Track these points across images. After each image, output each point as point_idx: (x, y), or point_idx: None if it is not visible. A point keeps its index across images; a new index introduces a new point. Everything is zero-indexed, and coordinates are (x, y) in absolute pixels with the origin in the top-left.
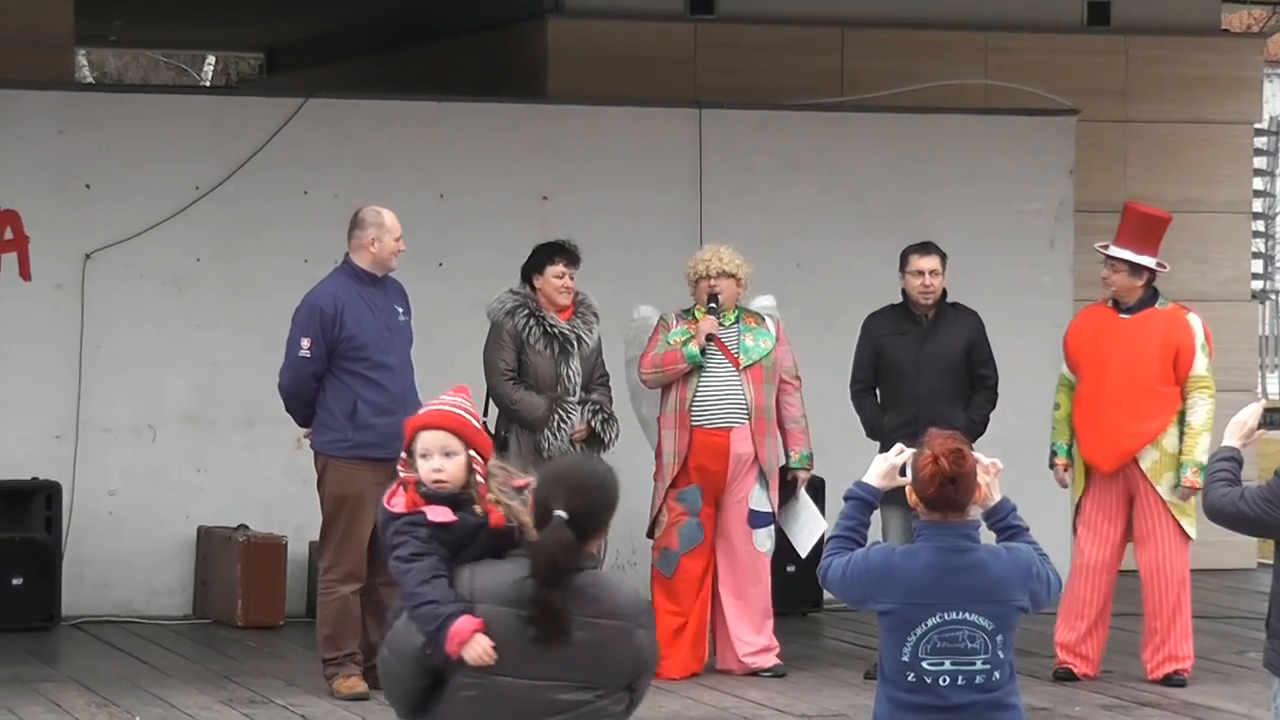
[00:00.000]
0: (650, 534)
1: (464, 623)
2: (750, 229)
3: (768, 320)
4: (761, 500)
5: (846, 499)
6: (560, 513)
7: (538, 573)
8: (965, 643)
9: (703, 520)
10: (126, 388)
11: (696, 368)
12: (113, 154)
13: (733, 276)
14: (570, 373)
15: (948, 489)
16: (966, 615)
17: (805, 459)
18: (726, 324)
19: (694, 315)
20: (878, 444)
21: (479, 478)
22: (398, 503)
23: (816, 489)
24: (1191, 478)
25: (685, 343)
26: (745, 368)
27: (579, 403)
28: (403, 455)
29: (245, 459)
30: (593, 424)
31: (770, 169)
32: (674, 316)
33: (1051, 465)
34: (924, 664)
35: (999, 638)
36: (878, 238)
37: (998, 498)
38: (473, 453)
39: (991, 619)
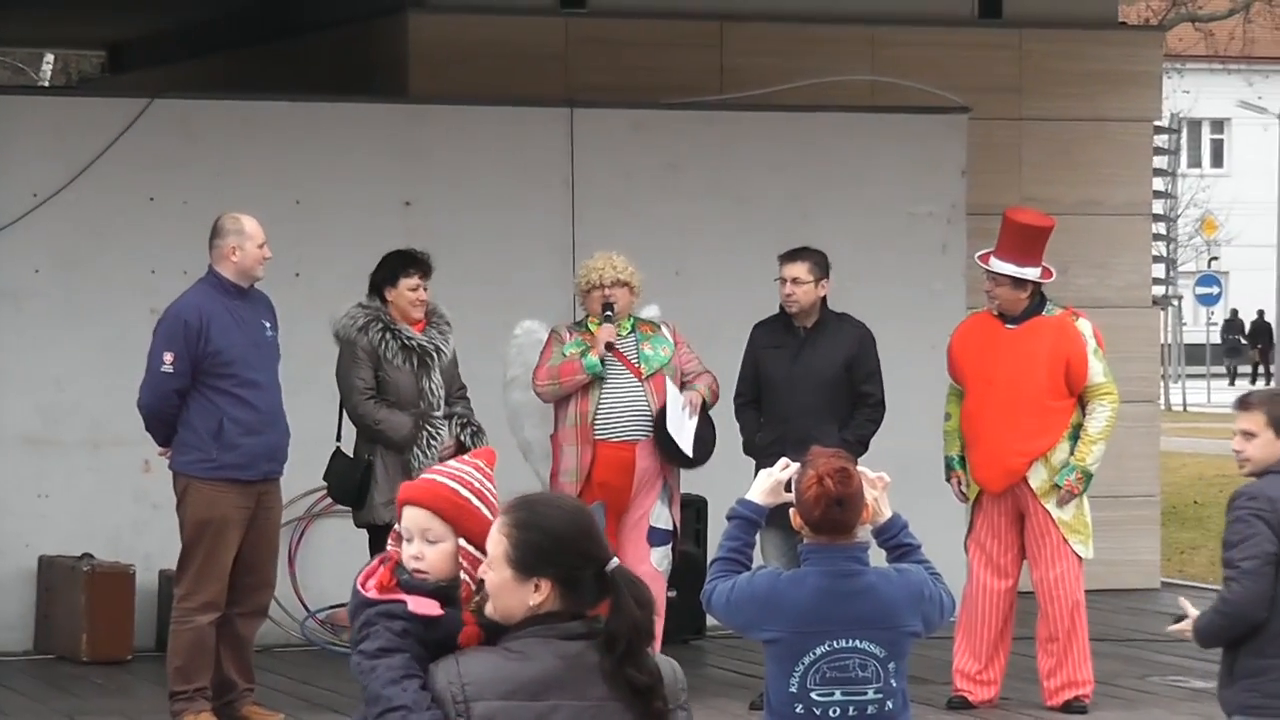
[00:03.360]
0: None
1: None
2: (627, 235)
3: (663, 328)
4: (663, 517)
5: (730, 518)
6: (613, 561)
7: (627, 645)
8: (856, 671)
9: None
10: None
11: (597, 379)
12: None
13: (627, 285)
14: (433, 386)
15: (834, 510)
16: (857, 643)
17: (697, 388)
18: (623, 334)
19: (587, 327)
20: (754, 461)
21: (464, 575)
22: (373, 586)
23: (698, 510)
24: (1074, 482)
25: (584, 354)
26: (648, 377)
27: (445, 417)
28: (396, 528)
29: (90, 483)
30: (462, 438)
31: (647, 171)
32: (565, 329)
33: (948, 479)
34: (813, 694)
35: (891, 665)
36: (761, 243)
37: (888, 514)
38: (463, 542)
39: (883, 646)
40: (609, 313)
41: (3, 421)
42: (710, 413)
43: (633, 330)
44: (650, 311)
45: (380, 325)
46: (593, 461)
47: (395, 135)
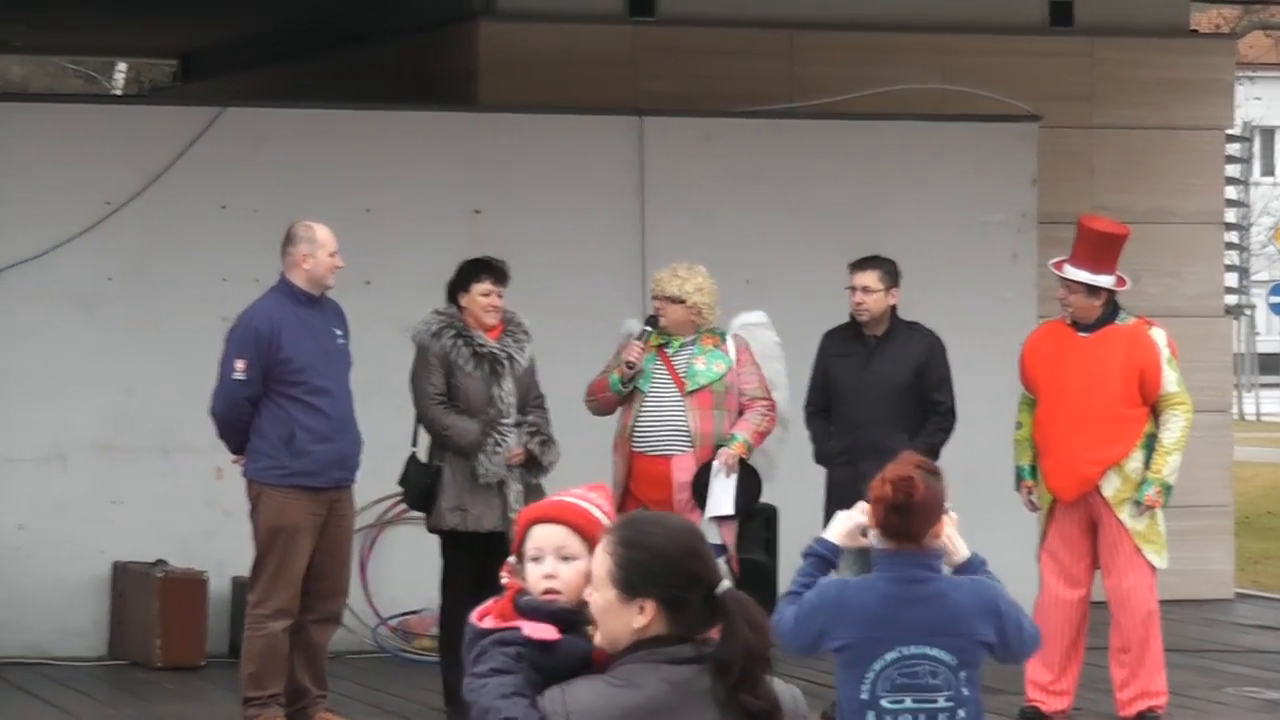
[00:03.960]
0: None
1: None
2: (696, 244)
3: (728, 342)
4: (710, 531)
5: (805, 555)
6: (724, 583)
7: (741, 671)
8: (927, 679)
9: None
10: (34, 415)
11: (639, 391)
12: (17, 167)
13: (682, 301)
14: (503, 394)
15: (892, 517)
16: (927, 650)
17: (735, 439)
18: (674, 348)
19: (650, 337)
20: (825, 470)
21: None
22: (490, 618)
23: (768, 519)
24: (1154, 496)
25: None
26: (690, 392)
27: (515, 425)
28: (509, 560)
29: (162, 489)
30: (530, 447)
31: (716, 180)
32: (634, 338)
33: (1017, 488)
34: (883, 702)
35: (963, 673)
36: (831, 252)
37: (964, 553)
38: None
39: (954, 653)
40: (648, 327)
41: (75, 428)
42: (778, 428)
43: (692, 343)
44: (751, 318)
45: (453, 331)
46: (629, 474)
47: (465, 143)
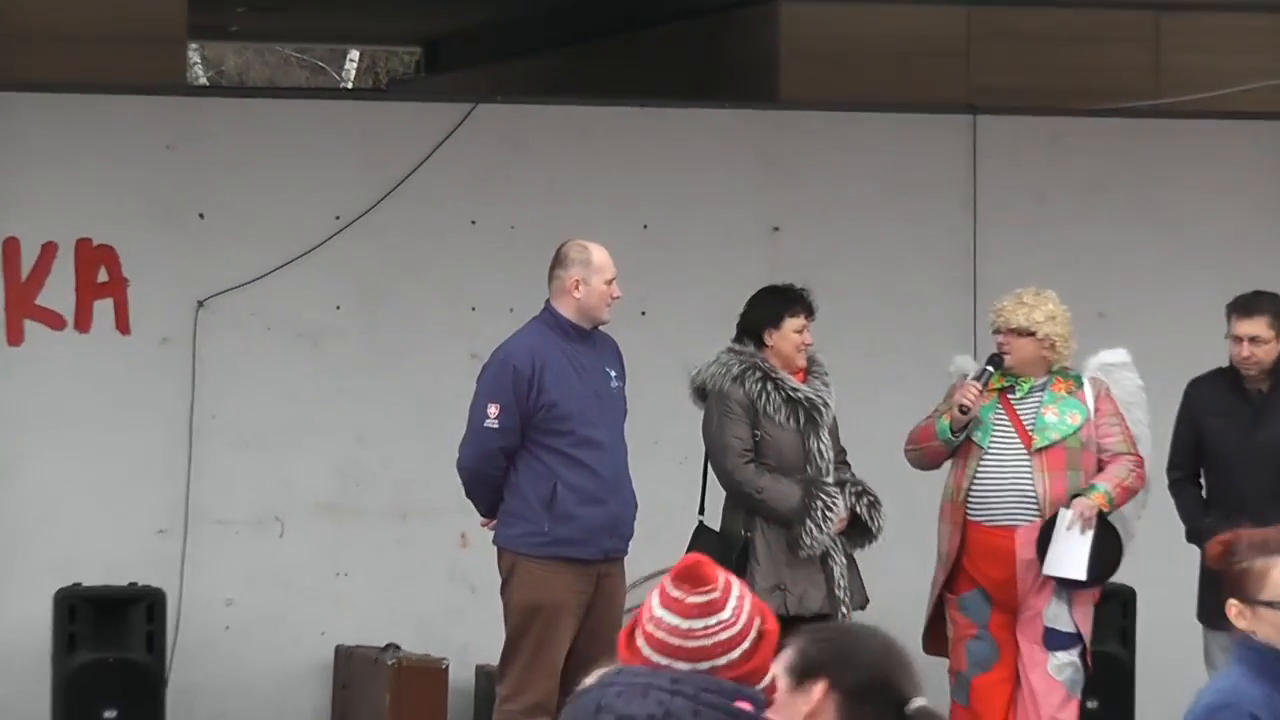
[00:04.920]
0: (925, 645)
1: None
2: (1039, 268)
3: (1086, 388)
4: (1061, 617)
5: None
6: (915, 701)
7: None
8: None
9: (995, 632)
10: (247, 469)
11: (975, 449)
12: (232, 175)
13: (1030, 334)
14: (822, 447)
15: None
16: None
17: (1095, 489)
18: (1020, 393)
19: (993, 377)
20: (1198, 550)
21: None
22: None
23: (1124, 602)
24: None
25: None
26: (1039, 449)
27: (837, 484)
28: (771, 678)
29: (397, 560)
30: (858, 509)
31: (1066, 192)
32: (972, 377)
33: None
34: None
35: None
36: (1202, 280)
37: None
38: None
39: None
40: (989, 367)
41: (296, 486)
42: (1141, 490)
43: (1042, 389)
44: (1113, 358)
45: (759, 374)
46: (962, 545)
47: (761, 147)
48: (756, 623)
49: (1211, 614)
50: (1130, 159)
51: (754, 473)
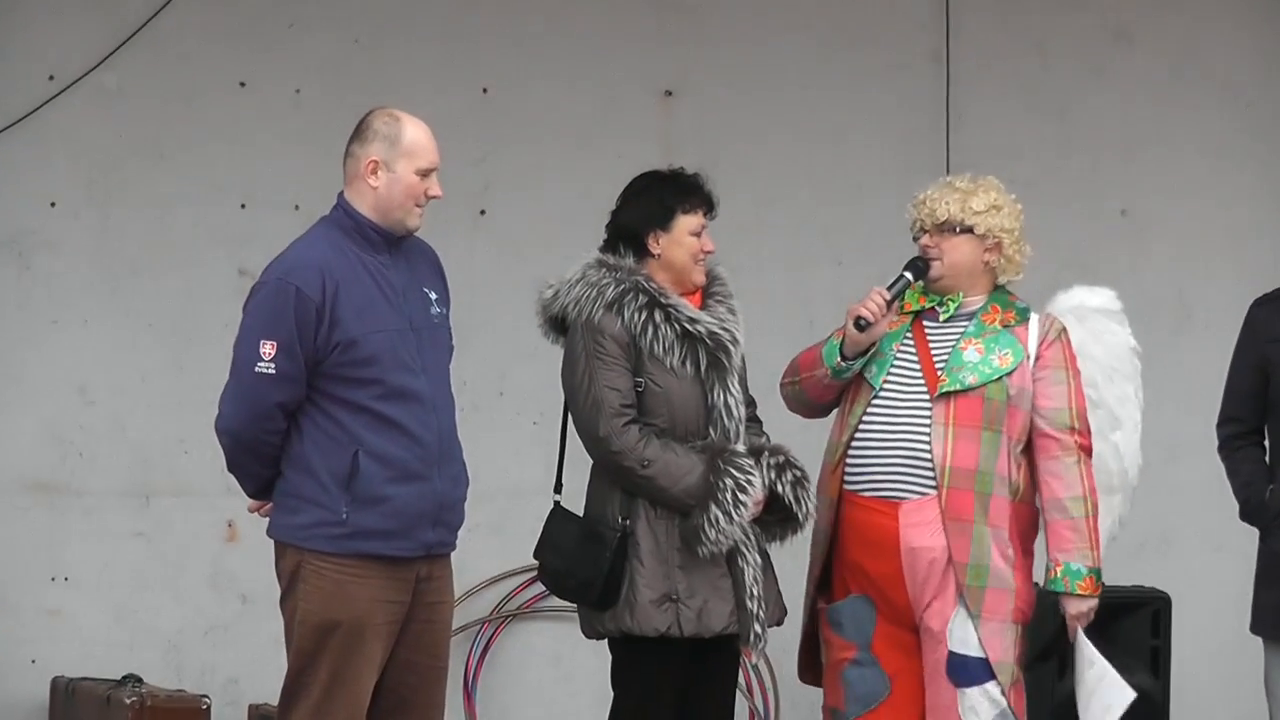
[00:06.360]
0: (801, 673)
1: None
2: (1035, 145)
3: (1031, 324)
4: (967, 637)
5: None
6: None
7: None
8: None
9: (881, 654)
10: None
11: (865, 388)
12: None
13: (967, 230)
14: (730, 401)
15: None
16: None
17: (1076, 576)
18: (945, 315)
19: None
20: (1259, 531)
21: None
22: None
23: (1155, 614)
24: None
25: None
26: (945, 394)
27: (750, 453)
28: None
29: (137, 559)
30: (779, 489)
31: (1072, 39)
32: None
33: None
34: None
35: None
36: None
37: None
38: None
39: None
40: (907, 274)
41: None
42: (1116, 500)
43: (971, 316)
44: (1098, 300)
45: (643, 298)
46: (837, 525)
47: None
48: None
49: (1274, 624)
50: None
51: (636, 438)
